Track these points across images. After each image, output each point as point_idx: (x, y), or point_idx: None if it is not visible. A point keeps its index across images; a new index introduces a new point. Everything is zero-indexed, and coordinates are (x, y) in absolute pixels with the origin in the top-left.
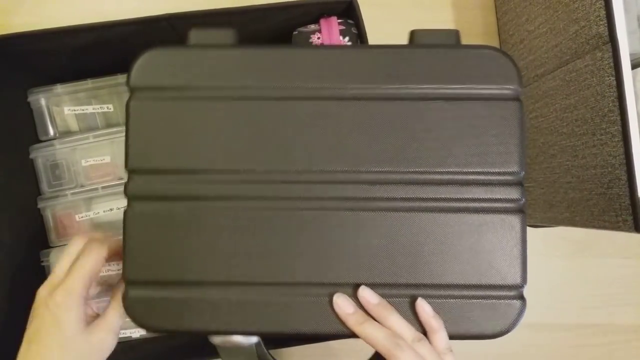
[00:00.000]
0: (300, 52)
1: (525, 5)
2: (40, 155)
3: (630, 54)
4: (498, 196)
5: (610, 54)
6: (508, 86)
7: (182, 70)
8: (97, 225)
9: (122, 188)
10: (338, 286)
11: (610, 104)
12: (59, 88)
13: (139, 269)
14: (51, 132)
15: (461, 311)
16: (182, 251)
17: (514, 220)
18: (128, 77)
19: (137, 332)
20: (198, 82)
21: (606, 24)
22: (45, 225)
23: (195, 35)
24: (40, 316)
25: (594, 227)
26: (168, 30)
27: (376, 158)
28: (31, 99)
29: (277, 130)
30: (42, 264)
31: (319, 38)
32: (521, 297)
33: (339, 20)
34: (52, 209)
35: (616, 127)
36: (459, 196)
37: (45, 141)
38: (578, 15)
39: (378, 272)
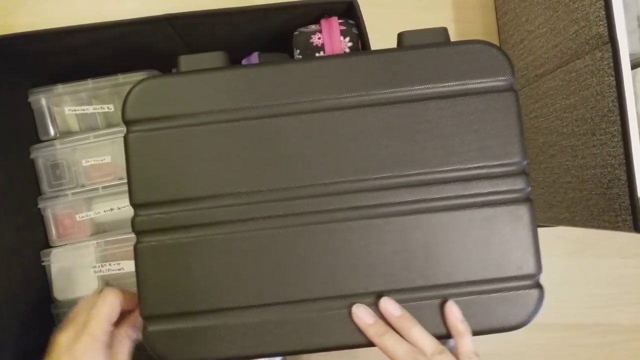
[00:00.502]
0: (292, 67)
1: (525, 5)
2: (40, 155)
3: (630, 54)
4: (504, 188)
5: (610, 54)
6: (501, 78)
7: (175, 98)
8: (98, 225)
9: (122, 188)
10: (356, 297)
11: (610, 104)
12: (60, 88)
13: (155, 303)
14: (52, 132)
15: (481, 307)
16: (196, 280)
17: (522, 210)
18: (123, 112)
19: None
20: (193, 108)
21: (606, 24)
22: (45, 225)
23: (185, 61)
24: None
25: (593, 227)
26: (168, 31)
27: (379, 164)
28: (32, 99)
29: (276, 147)
30: (43, 264)
31: (319, 38)
32: (538, 286)
33: (340, 21)
34: (53, 209)
35: (616, 127)
36: (465, 192)
37: (45, 141)
38: (578, 15)
39: (394, 278)
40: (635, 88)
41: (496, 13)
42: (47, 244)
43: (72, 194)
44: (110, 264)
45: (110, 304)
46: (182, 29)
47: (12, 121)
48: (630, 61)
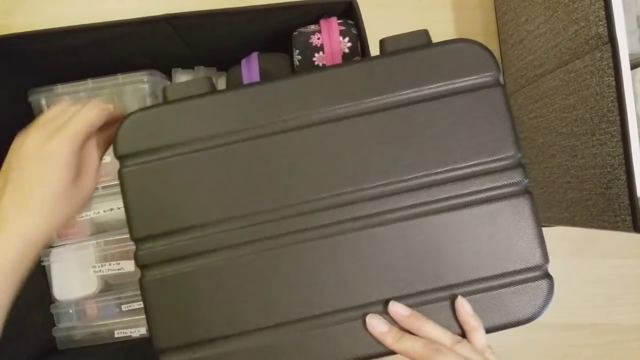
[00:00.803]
0: (277, 85)
1: (525, 5)
2: None
3: (630, 54)
4: (501, 182)
5: (610, 54)
6: (486, 74)
7: (164, 129)
8: (98, 225)
9: None
10: (368, 306)
11: (610, 104)
12: (60, 88)
13: (167, 336)
14: None
15: (491, 303)
16: (206, 308)
17: (522, 202)
18: (114, 148)
19: (137, 332)
20: (182, 137)
21: (605, 24)
22: None
23: (170, 91)
24: (30, 164)
25: (593, 227)
26: (168, 31)
27: (376, 172)
28: (32, 99)
29: (270, 167)
30: (42, 264)
31: (319, 39)
32: (547, 276)
33: (339, 21)
34: None
35: (615, 127)
36: (464, 191)
37: None
38: (577, 15)
39: (403, 284)
40: (635, 88)
41: (496, 13)
42: None
43: None
44: (110, 264)
45: (98, 113)
46: (182, 29)
47: (12, 121)
48: (630, 61)
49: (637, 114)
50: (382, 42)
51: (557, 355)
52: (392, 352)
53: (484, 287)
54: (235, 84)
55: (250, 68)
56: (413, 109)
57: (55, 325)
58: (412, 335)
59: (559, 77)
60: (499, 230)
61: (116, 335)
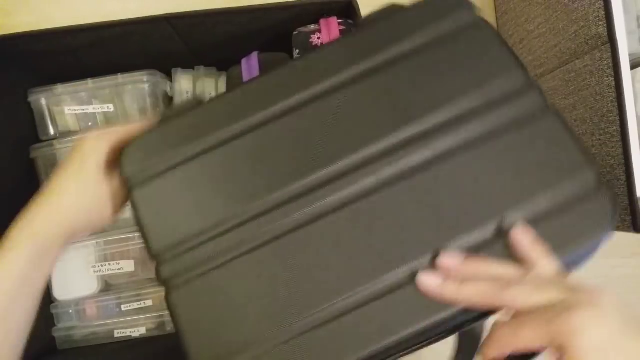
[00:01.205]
0: (270, 76)
1: (525, 5)
2: (40, 155)
3: (630, 54)
4: (522, 105)
5: (610, 54)
6: (465, 13)
7: (166, 143)
8: None
9: None
10: (417, 261)
11: (609, 104)
12: (60, 88)
13: (203, 351)
14: (52, 132)
15: (558, 233)
16: (240, 311)
17: (550, 119)
18: (121, 168)
19: (137, 332)
20: (185, 145)
21: (605, 25)
22: None
23: (165, 113)
24: (69, 156)
25: None
26: (168, 30)
27: (391, 123)
28: (32, 99)
29: (282, 150)
30: None
31: (319, 38)
32: (601, 188)
33: (339, 21)
34: None
35: (615, 128)
36: (487, 123)
37: (45, 141)
38: (577, 15)
39: (455, 230)
40: (635, 88)
41: (496, 13)
42: None
43: None
44: (110, 264)
45: (142, 123)
46: (182, 28)
47: (12, 121)
48: (630, 61)
49: (636, 114)
50: (357, 24)
51: None
52: (456, 326)
53: (542, 214)
54: (235, 83)
55: (251, 67)
56: (408, 62)
57: (54, 325)
58: (474, 281)
59: (559, 77)
60: (539, 152)
61: (116, 335)
